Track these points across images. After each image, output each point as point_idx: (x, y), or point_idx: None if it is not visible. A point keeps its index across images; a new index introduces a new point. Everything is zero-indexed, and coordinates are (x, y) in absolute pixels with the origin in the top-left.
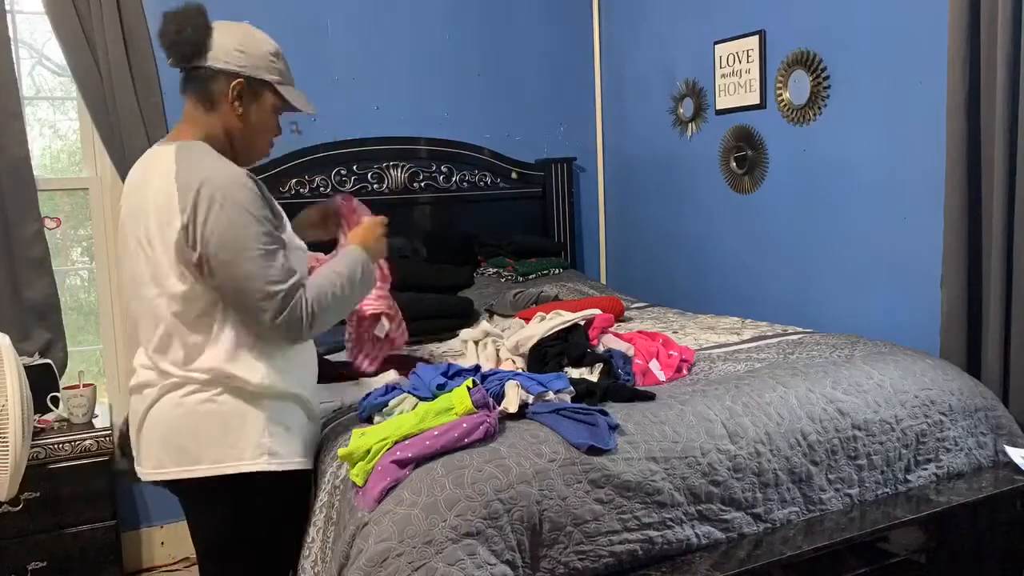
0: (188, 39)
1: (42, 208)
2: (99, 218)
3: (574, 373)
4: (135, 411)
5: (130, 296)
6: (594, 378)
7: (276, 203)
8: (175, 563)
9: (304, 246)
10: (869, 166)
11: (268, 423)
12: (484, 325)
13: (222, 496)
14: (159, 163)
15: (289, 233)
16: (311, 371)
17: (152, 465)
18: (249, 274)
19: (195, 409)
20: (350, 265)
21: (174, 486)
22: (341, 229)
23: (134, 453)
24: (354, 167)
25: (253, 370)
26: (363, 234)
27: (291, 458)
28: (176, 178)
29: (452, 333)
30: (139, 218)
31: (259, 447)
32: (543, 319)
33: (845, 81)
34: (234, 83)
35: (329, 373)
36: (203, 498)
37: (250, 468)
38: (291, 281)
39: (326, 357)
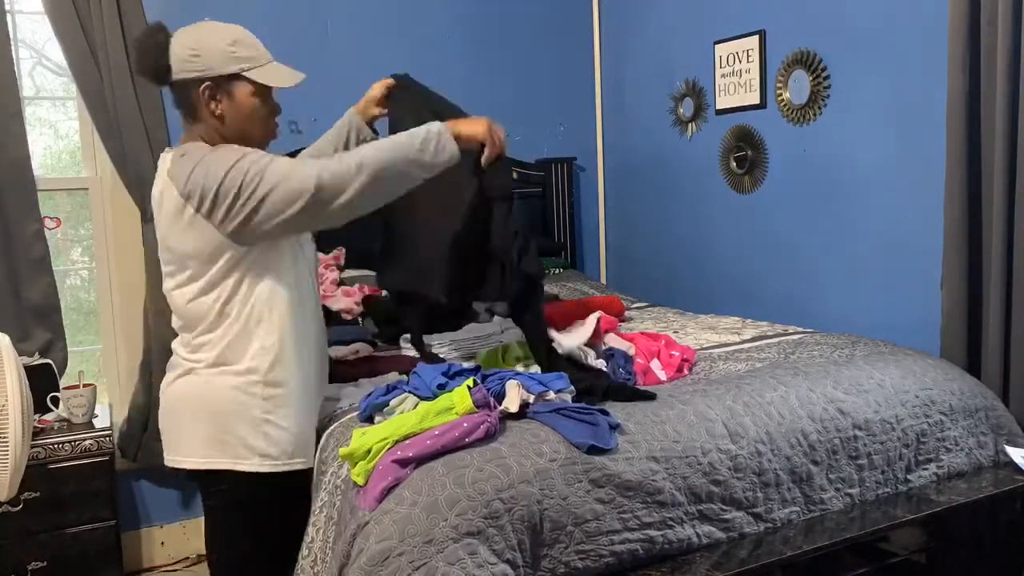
0: (153, 60)
1: (42, 208)
2: (99, 218)
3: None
4: None
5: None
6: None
7: None
8: (175, 563)
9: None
10: (869, 166)
11: (263, 423)
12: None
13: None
14: (161, 168)
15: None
16: (316, 370)
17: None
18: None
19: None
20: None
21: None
22: None
23: None
24: None
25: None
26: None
27: (285, 459)
28: (169, 174)
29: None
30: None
31: (251, 448)
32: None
33: (845, 81)
34: (201, 88)
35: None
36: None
37: (243, 468)
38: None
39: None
